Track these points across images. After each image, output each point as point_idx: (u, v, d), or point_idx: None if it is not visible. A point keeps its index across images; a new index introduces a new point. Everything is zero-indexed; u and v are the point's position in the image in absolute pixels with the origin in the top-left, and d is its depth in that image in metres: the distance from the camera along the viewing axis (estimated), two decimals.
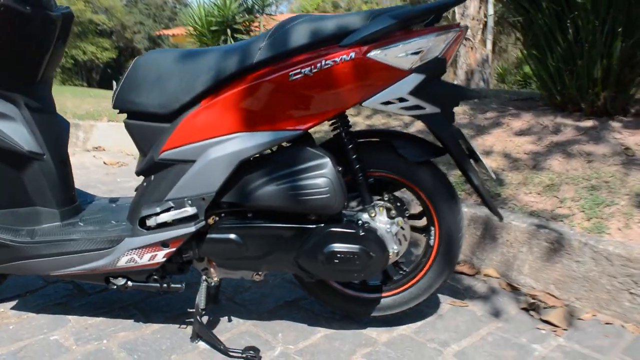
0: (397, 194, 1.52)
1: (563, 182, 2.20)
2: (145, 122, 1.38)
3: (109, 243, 1.36)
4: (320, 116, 1.28)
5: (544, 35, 2.66)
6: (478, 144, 2.68)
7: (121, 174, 3.80)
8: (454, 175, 2.41)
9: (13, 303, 1.71)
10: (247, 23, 9.68)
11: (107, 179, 3.66)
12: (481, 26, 13.30)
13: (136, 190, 1.54)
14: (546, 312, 1.74)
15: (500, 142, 2.64)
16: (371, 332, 1.59)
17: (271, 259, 1.37)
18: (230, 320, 1.62)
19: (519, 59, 22.51)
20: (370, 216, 1.42)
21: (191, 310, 1.67)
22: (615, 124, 2.56)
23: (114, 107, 1.42)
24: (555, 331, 1.65)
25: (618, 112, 2.62)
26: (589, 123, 2.62)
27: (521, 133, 2.68)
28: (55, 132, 1.58)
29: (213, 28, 9.42)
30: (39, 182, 1.49)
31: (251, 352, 1.37)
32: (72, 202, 1.59)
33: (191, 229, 1.32)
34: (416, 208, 1.61)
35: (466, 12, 12.76)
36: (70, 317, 1.62)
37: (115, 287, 1.42)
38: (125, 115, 1.47)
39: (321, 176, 1.28)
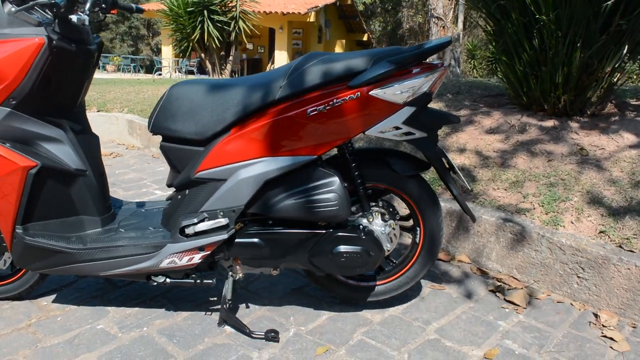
0: (387, 199, 1.82)
1: (526, 179, 2.54)
2: (181, 146, 1.63)
3: (153, 248, 1.62)
4: (332, 143, 1.56)
5: (513, 43, 2.97)
6: (453, 141, 3.00)
7: (118, 166, 4.00)
8: (431, 174, 2.72)
9: (52, 297, 1.96)
10: (224, 4, 9.76)
11: (106, 171, 3.85)
12: (453, 5, 13.56)
13: (168, 199, 1.80)
14: (509, 294, 2.08)
15: (473, 139, 2.96)
16: (366, 313, 1.90)
17: (288, 258, 1.66)
18: (247, 307, 1.91)
19: (488, 36, 22.99)
20: (369, 221, 1.73)
21: (212, 298, 1.96)
22: (573, 124, 2.90)
23: (151, 131, 1.66)
24: (517, 309, 1.99)
25: (576, 113, 2.96)
26: (550, 123, 2.96)
27: (491, 131, 3.01)
28: (92, 148, 1.81)
29: (189, 9, 9.44)
30: (83, 194, 1.73)
31: (272, 333, 1.67)
32: (109, 209, 1.84)
33: (224, 236, 1.59)
34: (403, 211, 1.91)
35: None
36: (109, 308, 1.88)
37: (155, 283, 1.69)
38: (159, 138, 1.71)
39: (331, 192, 1.57)
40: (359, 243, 1.65)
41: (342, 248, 1.64)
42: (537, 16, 2.64)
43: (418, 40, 27.90)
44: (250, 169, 1.56)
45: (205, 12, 9.50)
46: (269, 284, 2.10)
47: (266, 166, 1.55)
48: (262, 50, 20.24)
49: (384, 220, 1.77)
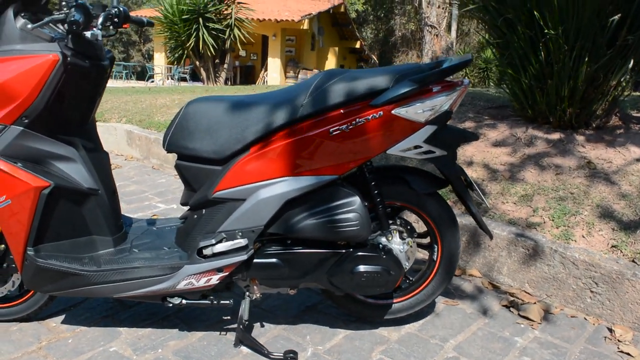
0: (403, 216, 1.81)
1: (535, 193, 2.54)
2: (197, 164, 1.61)
3: (170, 270, 1.59)
4: (354, 163, 1.55)
5: (519, 56, 2.97)
6: (459, 154, 2.99)
7: (118, 178, 3.94)
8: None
9: (62, 317, 1.91)
10: (219, 12, 9.74)
11: None
12: (446, 14, 13.62)
13: (182, 218, 1.77)
14: (524, 309, 2.07)
15: (480, 152, 2.96)
16: (383, 331, 1.88)
17: (307, 278, 1.64)
18: (262, 326, 1.89)
19: (480, 43, 23.14)
20: (388, 239, 1.71)
21: (226, 317, 1.93)
22: (579, 137, 2.91)
23: (167, 150, 1.64)
24: (532, 325, 1.98)
25: (581, 126, 2.97)
26: (556, 135, 2.96)
27: (497, 144, 3.01)
28: (104, 166, 1.78)
29: (184, 17, 9.42)
30: (95, 214, 1.70)
31: (291, 354, 1.65)
32: (121, 228, 1.80)
33: (243, 257, 1.57)
34: (420, 228, 1.90)
35: (432, 0, 13.02)
36: (120, 329, 1.84)
37: (171, 305, 1.66)
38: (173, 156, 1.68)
39: (352, 211, 1.55)
40: (379, 262, 1.63)
41: (363, 268, 1.62)
42: (546, 30, 2.65)
43: (410, 47, 28.06)
44: (270, 189, 1.53)
45: (201, 19, 9.49)
46: (283, 302, 2.07)
47: (287, 186, 1.53)
48: (255, 58, 20.21)
49: (402, 238, 1.75)
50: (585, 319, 2.05)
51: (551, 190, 2.54)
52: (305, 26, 18.18)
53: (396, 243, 1.72)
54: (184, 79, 16.79)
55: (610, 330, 1.96)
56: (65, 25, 1.50)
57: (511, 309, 2.10)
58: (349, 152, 1.53)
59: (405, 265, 1.74)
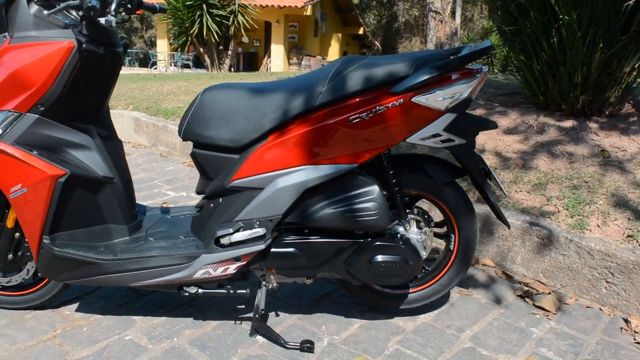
0: (420, 206, 1.79)
1: (549, 181, 2.52)
2: (214, 153, 1.59)
3: (187, 259, 1.58)
4: (373, 152, 1.52)
5: (531, 42, 2.93)
6: None
7: None
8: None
9: (75, 305, 1.91)
10: None
11: None
12: (451, 0, 13.47)
13: (198, 207, 1.75)
14: (538, 299, 2.06)
15: (491, 140, 2.93)
16: (398, 321, 1.88)
17: (324, 268, 1.63)
18: (277, 315, 1.88)
19: (484, 29, 22.97)
20: (405, 229, 1.69)
21: (240, 306, 1.92)
22: (592, 125, 2.88)
23: (183, 138, 1.62)
24: (547, 315, 1.97)
25: (594, 114, 2.94)
26: (568, 123, 2.93)
27: (509, 132, 2.98)
28: (118, 154, 1.76)
29: (188, 3, 9.33)
30: (110, 202, 1.69)
31: (307, 344, 1.64)
32: (136, 217, 1.79)
33: (261, 246, 1.55)
34: (436, 217, 1.88)
35: None
36: (135, 317, 1.84)
37: (187, 294, 1.65)
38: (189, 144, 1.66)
39: (371, 200, 1.53)
40: (397, 252, 1.62)
41: (381, 257, 1.60)
42: (561, 16, 2.61)
43: (414, 33, 27.83)
44: (289, 178, 1.51)
45: (204, 6, 9.40)
46: (296, 291, 2.06)
47: (306, 175, 1.51)
48: (258, 44, 20.09)
49: (419, 227, 1.73)
50: (600, 309, 2.04)
51: (565, 179, 2.51)
52: (309, 12, 18.05)
53: (413, 232, 1.71)
54: (187, 66, 16.70)
55: (626, 321, 1.95)
56: (81, 11, 1.48)
57: (526, 299, 2.09)
58: (368, 140, 1.51)
59: (423, 255, 1.73)
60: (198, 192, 1.73)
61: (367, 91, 1.50)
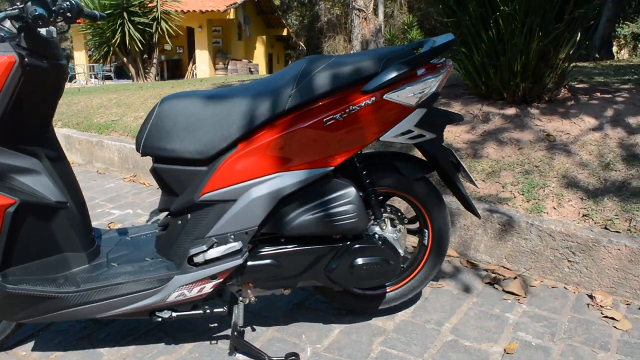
0: (392, 203, 1.77)
1: (501, 169, 2.58)
2: (179, 167, 1.49)
3: (159, 282, 1.47)
4: (348, 152, 1.48)
5: (470, 34, 3.00)
6: None
7: None
8: None
9: (31, 344, 1.74)
10: (143, 5, 9.25)
11: None
12: None
13: (161, 225, 1.64)
14: (506, 284, 2.10)
15: None
16: (377, 321, 1.85)
17: (304, 276, 1.57)
18: (254, 330, 1.80)
19: (405, 24, 23.62)
20: (382, 228, 1.66)
21: (212, 325, 1.83)
22: (533, 111, 2.99)
23: (142, 153, 1.50)
24: (518, 299, 2.01)
25: (534, 100, 3.06)
26: (511, 111, 3.03)
27: (456, 123, 3.04)
28: (69, 176, 1.62)
29: (108, 12, 8.89)
30: (66, 229, 1.54)
31: (292, 357, 1.57)
32: (93, 242, 1.65)
33: (238, 261, 1.47)
34: (408, 213, 1.87)
35: None
36: (101, 350, 1.69)
37: (159, 319, 1.54)
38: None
39: (349, 203, 1.49)
40: (377, 253, 1.58)
41: (362, 260, 1.57)
42: (502, 7, 2.68)
43: (337, 32, 28.13)
44: (263, 187, 1.44)
45: (125, 14, 9.00)
46: (269, 302, 1.99)
47: (281, 182, 1.44)
48: (181, 51, 19.56)
49: (393, 225, 1.71)
50: (565, 288, 2.11)
51: (516, 165, 2.59)
52: (232, 16, 17.79)
53: (389, 231, 1.68)
54: (108, 77, 15.97)
55: (591, 296, 2.03)
56: (21, 21, 1.33)
57: (495, 285, 2.12)
58: (342, 141, 1.46)
59: (400, 253, 1.70)
60: (161, 210, 1.62)
61: (337, 91, 1.45)
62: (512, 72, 2.96)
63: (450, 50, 3.26)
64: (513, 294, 2.05)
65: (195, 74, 17.91)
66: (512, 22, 2.80)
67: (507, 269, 2.26)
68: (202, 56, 18.03)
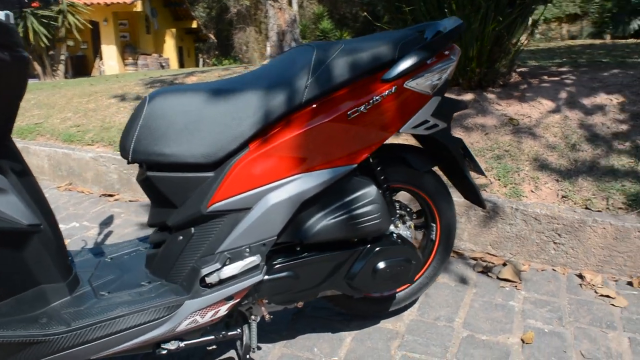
0: (399, 199, 1.67)
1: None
2: (179, 174, 1.28)
3: (167, 310, 1.26)
4: (371, 148, 1.35)
5: (425, 20, 2.96)
6: None
7: None
8: None
9: None
10: None
11: None
12: None
13: (152, 242, 1.43)
14: (499, 271, 2.08)
15: None
16: (386, 324, 1.75)
17: (324, 286, 1.43)
18: (259, 349, 1.63)
19: (315, 14, 23.65)
20: (396, 226, 1.56)
21: (210, 348, 1.64)
22: (490, 96, 3.02)
23: (132, 160, 1.28)
24: (515, 286, 2.00)
25: (489, 85, 3.08)
26: (469, 96, 3.04)
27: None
28: (39, 193, 1.36)
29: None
30: (41, 257, 1.29)
31: None
32: (71, 269, 1.40)
33: (259, 276, 1.30)
34: (414, 209, 1.78)
35: None
36: None
37: (165, 352, 1.34)
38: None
39: (371, 203, 1.37)
40: (399, 253, 1.48)
41: (386, 262, 1.45)
42: None
43: (247, 23, 27.63)
44: (282, 191, 1.28)
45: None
46: None
47: (302, 184, 1.29)
48: (85, 46, 18.26)
49: (403, 222, 1.62)
50: (554, 270, 2.12)
51: (487, 150, 2.59)
52: (138, 8, 16.87)
53: (402, 229, 1.58)
54: None
55: (580, 276, 2.05)
56: None
57: (488, 274, 2.10)
58: (366, 135, 1.33)
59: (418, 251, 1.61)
60: (151, 225, 1.40)
61: (354, 80, 1.32)
62: (467, 58, 2.96)
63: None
64: (508, 280, 2.03)
65: (103, 71, 16.82)
66: (467, 7, 2.79)
67: (494, 255, 2.24)
68: (110, 51, 16.96)
